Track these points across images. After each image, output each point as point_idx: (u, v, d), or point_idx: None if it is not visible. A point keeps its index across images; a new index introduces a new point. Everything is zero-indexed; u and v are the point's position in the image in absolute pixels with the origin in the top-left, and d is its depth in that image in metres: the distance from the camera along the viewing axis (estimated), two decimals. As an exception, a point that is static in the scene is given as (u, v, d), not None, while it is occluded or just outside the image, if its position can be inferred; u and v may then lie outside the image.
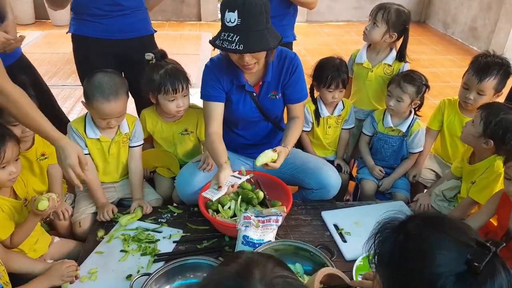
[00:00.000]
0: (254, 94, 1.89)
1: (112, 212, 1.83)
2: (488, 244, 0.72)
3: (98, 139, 1.87)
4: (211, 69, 1.86)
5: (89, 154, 1.89)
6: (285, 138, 1.84)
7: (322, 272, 1.23)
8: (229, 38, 1.56)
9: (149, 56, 1.93)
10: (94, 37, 2.06)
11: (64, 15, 5.65)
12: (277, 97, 1.91)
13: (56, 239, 1.78)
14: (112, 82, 1.74)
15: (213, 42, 1.64)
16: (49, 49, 5.06)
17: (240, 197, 1.84)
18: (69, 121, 2.31)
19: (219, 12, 6.72)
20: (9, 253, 1.47)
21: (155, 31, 2.28)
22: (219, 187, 1.64)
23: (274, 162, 1.69)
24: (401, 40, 2.21)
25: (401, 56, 2.25)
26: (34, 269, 1.46)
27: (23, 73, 1.97)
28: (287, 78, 1.87)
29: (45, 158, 1.86)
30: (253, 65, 1.70)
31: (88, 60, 2.09)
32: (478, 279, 0.70)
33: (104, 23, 2.03)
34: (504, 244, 0.73)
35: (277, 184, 1.89)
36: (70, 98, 3.86)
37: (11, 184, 1.53)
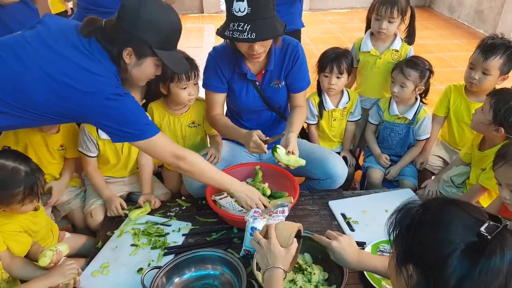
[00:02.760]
0: (257, 83, 1.89)
1: (121, 207, 1.85)
2: (501, 217, 0.74)
3: (110, 139, 1.89)
4: (214, 58, 1.88)
5: (96, 157, 1.93)
6: (290, 124, 1.85)
7: (299, 226, 1.31)
8: (239, 28, 1.56)
9: None
10: None
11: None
12: (280, 85, 1.91)
13: (67, 234, 1.80)
14: None
15: (221, 34, 1.63)
16: None
17: None
18: None
19: (221, 3, 6.69)
20: (14, 259, 1.48)
21: None
22: (265, 141, 1.70)
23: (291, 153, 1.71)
24: (406, 21, 2.18)
25: (411, 37, 2.23)
26: (33, 275, 1.46)
27: None
28: (290, 66, 1.87)
29: (62, 149, 1.92)
30: (261, 54, 1.71)
31: None
32: (487, 250, 0.72)
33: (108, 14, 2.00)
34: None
35: (283, 175, 1.89)
36: None
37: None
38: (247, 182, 1.91)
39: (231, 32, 1.58)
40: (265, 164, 1.98)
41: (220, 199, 1.78)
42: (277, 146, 1.71)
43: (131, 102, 1.44)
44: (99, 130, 1.86)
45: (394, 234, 0.87)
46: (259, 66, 1.87)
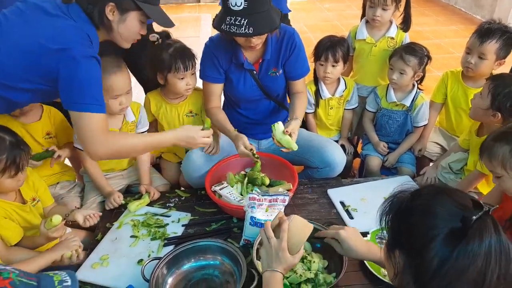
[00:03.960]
0: (254, 72, 1.88)
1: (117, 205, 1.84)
2: (483, 203, 0.77)
3: None
4: (210, 49, 1.87)
5: None
6: (293, 112, 1.86)
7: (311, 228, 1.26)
8: (236, 22, 1.55)
9: (154, 37, 1.91)
10: None
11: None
12: (277, 74, 1.90)
13: (68, 229, 1.80)
14: (109, 58, 1.69)
15: (218, 27, 1.62)
16: None
17: (246, 178, 1.85)
18: None
19: (216, -8, 6.63)
20: (8, 248, 1.49)
21: None
22: (251, 149, 1.73)
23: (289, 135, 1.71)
24: (401, 8, 2.16)
25: (406, 24, 2.21)
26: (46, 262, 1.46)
27: None
28: (287, 54, 1.86)
29: (51, 138, 1.88)
30: (258, 44, 1.71)
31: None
32: (468, 234, 0.75)
33: None
34: (497, 206, 0.77)
35: (282, 164, 1.89)
36: None
37: (17, 188, 1.54)
38: (246, 172, 1.91)
39: (228, 26, 1.58)
40: (264, 153, 1.97)
41: (220, 189, 1.78)
42: (278, 122, 1.73)
43: (94, 69, 1.36)
44: None
45: (386, 220, 0.90)
46: (256, 55, 1.85)
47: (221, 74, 1.89)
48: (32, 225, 1.59)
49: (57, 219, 1.45)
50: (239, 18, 1.55)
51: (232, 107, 2.05)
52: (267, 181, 1.84)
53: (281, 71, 1.90)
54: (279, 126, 1.72)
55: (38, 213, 1.64)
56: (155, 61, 1.90)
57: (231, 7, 1.54)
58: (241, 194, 1.79)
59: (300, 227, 1.23)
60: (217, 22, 1.64)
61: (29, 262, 1.38)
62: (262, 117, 2.04)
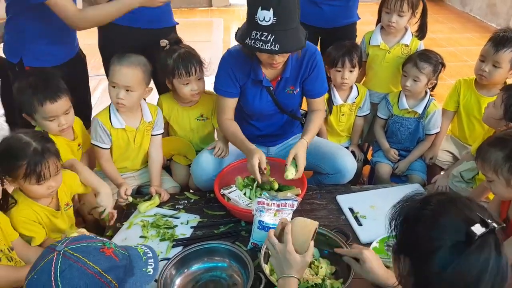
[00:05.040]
0: (271, 89, 1.86)
1: (126, 199, 1.84)
2: (489, 222, 0.79)
3: (124, 128, 1.90)
4: (228, 62, 1.82)
5: (109, 149, 1.93)
6: (305, 131, 1.86)
7: (316, 225, 1.25)
8: (262, 38, 1.50)
9: (163, 42, 1.94)
10: (122, 25, 2.00)
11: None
12: (295, 92, 1.88)
13: (86, 233, 1.82)
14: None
15: (242, 41, 1.58)
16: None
17: (255, 183, 1.86)
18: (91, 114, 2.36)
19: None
20: (30, 249, 1.50)
21: (177, 23, 2.26)
22: (264, 168, 1.72)
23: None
24: (417, 15, 2.15)
25: (422, 32, 2.20)
26: None
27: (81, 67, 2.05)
28: (307, 73, 1.84)
29: (80, 148, 1.92)
30: (281, 62, 1.68)
31: (112, 48, 2.04)
32: (469, 249, 0.79)
33: (134, 11, 1.95)
34: (504, 225, 0.81)
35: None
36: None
37: (50, 196, 1.55)
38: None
39: (253, 41, 1.53)
40: (273, 158, 1.98)
41: (228, 192, 1.79)
42: (288, 168, 1.73)
43: None
44: (112, 119, 1.87)
45: (395, 225, 0.92)
46: (275, 73, 1.82)
47: (237, 88, 1.85)
48: (59, 230, 1.61)
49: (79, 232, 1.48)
50: (266, 33, 1.50)
51: (244, 119, 2.03)
52: (276, 186, 1.84)
53: (298, 89, 1.88)
54: (289, 172, 1.73)
55: (67, 217, 1.66)
56: (162, 66, 1.93)
57: (259, 21, 1.50)
58: (250, 198, 1.80)
59: (304, 226, 1.21)
60: (241, 36, 1.59)
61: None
62: (274, 129, 2.03)
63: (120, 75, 1.78)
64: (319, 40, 2.37)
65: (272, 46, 1.50)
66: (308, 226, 1.21)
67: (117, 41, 2.01)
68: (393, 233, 0.93)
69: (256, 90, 1.86)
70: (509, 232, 1.40)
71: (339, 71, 2.14)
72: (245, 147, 1.80)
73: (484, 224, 0.79)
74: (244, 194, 1.81)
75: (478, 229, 0.79)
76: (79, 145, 1.91)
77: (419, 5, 2.13)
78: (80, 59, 2.14)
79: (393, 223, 0.92)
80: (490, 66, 1.96)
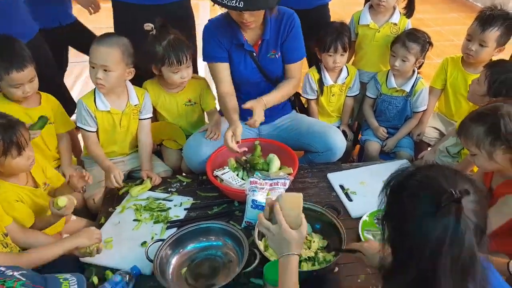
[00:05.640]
0: (254, 54, 1.89)
1: (120, 185, 1.83)
2: (456, 192, 0.83)
3: (109, 111, 1.89)
4: (211, 29, 1.87)
5: (96, 132, 1.92)
6: (267, 95, 1.86)
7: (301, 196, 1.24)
8: None
9: (148, 26, 1.89)
10: (132, 3, 2.01)
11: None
12: (277, 56, 1.91)
13: (73, 217, 1.83)
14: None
15: None
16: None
17: (248, 164, 1.88)
18: (74, 101, 2.35)
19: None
20: (26, 231, 1.51)
21: None
22: (237, 142, 1.72)
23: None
24: None
25: (410, 9, 2.22)
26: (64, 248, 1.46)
27: (38, 52, 1.98)
28: (285, 35, 1.87)
29: (50, 123, 1.90)
30: (252, 22, 1.72)
31: (124, 28, 2.04)
32: (435, 216, 0.84)
33: None
34: (471, 194, 0.84)
35: (283, 149, 1.91)
36: (71, 75, 3.68)
37: (31, 168, 1.55)
38: (246, 158, 1.93)
39: None
40: (264, 139, 1.99)
41: (221, 174, 1.80)
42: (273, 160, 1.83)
43: None
44: (96, 101, 1.86)
45: (383, 197, 0.97)
46: (255, 35, 1.86)
47: (225, 52, 1.88)
48: (43, 209, 1.61)
49: (62, 201, 1.47)
50: None
51: None
52: (267, 167, 1.86)
53: (279, 53, 1.91)
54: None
55: (49, 197, 1.66)
56: (149, 52, 1.89)
57: None
58: (243, 179, 1.82)
59: (291, 201, 1.20)
60: None
61: (46, 249, 1.38)
62: None
63: (97, 55, 1.76)
64: None
65: (237, 4, 1.57)
66: (296, 199, 1.21)
67: (128, 21, 2.00)
68: (383, 204, 0.97)
69: (240, 56, 1.89)
70: (493, 201, 1.45)
71: (331, 55, 2.16)
72: (230, 118, 1.83)
73: (450, 195, 0.83)
74: (237, 175, 1.83)
75: (444, 199, 0.83)
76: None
77: None
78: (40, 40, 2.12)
79: (384, 192, 0.97)
80: (476, 45, 1.99)
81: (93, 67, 1.78)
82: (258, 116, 1.77)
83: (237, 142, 1.74)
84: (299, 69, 2.00)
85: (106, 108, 1.87)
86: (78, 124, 1.90)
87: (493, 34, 1.94)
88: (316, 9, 2.30)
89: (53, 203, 1.48)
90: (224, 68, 1.90)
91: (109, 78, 1.78)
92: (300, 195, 1.21)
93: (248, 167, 1.86)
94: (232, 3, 1.57)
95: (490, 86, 1.70)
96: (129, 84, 1.95)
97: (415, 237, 0.86)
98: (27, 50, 1.75)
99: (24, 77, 1.72)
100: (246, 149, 1.88)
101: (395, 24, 2.23)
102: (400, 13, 2.25)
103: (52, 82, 2.20)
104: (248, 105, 1.77)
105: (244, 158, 1.94)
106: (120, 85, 1.88)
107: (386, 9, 2.20)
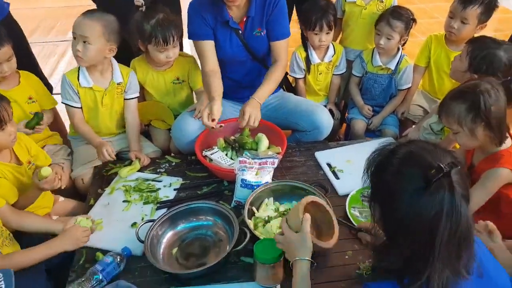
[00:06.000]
0: (240, 32, 1.88)
1: (113, 158, 1.83)
2: (444, 166, 0.84)
3: (91, 88, 1.87)
4: (195, 7, 1.85)
5: (80, 108, 1.91)
6: (257, 90, 1.86)
7: (306, 200, 1.32)
8: None
9: (138, 2, 1.87)
10: None
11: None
12: (262, 34, 1.90)
13: (61, 198, 1.82)
14: None
15: None
16: (26, 3, 4.75)
17: (237, 143, 1.89)
18: (49, 83, 2.30)
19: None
20: (19, 213, 1.50)
21: None
22: (213, 120, 1.72)
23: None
24: None
25: None
26: (47, 227, 1.50)
27: (10, 33, 1.92)
28: (270, 11, 1.85)
29: (33, 102, 1.90)
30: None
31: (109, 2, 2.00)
32: (427, 192, 0.85)
33: None
34: (458, 166, 0.86)
35: (271, 128, 1.93)
36: (54, 55, 3.71)
37: (13, 144, 1.53)
38: (235, 137, 1.94)
39: None
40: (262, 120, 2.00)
41: (211, 154, 1.81)
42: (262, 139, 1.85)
43: None
44: (80, 78, 1.84)
45: (368, 175, 0.98)
46: (241, 12, 1.84)
47: (210, 29, 1.86)
48: (26, 187, 1.60)
49: (46, 170, 1.47)
50: None
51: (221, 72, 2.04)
52: (256, 146, 1.88)
53: (265, 31, 1.90)
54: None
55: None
56: (137, 29, 1.88)
57: None
58: (232, 159, 1.83)
59: (294, 209, 1.30)
60: None
61: (34, 251, 1.36)
62: (249, 79, 2.04)
63: (78, 25, 1.76)
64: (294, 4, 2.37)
65: None
66: (297, 206, 1.28)
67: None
68: (368, 183, 0.99)
69: (225, 34, 1.88)
70: (474, 177, 1.50)
71: (316, 34, 2.15)
72: (210, 95, 1.81)
73: (439, 169, 0.84)
74: (226, 154, 1.84)
75: (433, 174, 0.84)
76: (29, 98, 1.90)
77: None
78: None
79: (367, 173, 0.98)
80: (458, 23, 2.02)
81: (75, 38, 1.77)
82: (256, 118, 1.77)
83: (213, 120, 1.73)
84: (285, 49, 1.96)
85: (89, 84, 1.86)
86: (63, 101, 1.89)
87: (474, 11, 1.96)
88: None
89: (37, 174, 1.47)
90: (209, 46, 1.88)
91: (87, 51, 1.76)
92: (305, 200, 1.31)
93: (237, 147, 1.86)
94: None
95: (471, 62, 1.72)
96: (114, 62, 1.92)
97: (408, 215, 0.87)
98: (3, 29, 1.72)
99: (1, 56, 1.70)
100: (223, 125, 1.83)
101: (381, 1, 2.22)
102: None
103: (33, 69, 2.14)
104: (246, 116, 1.75)
105: (232, 137, 1.94)
106: (100, 61, 1.85)
107: None
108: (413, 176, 0.88)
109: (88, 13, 1.79)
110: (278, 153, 1.76)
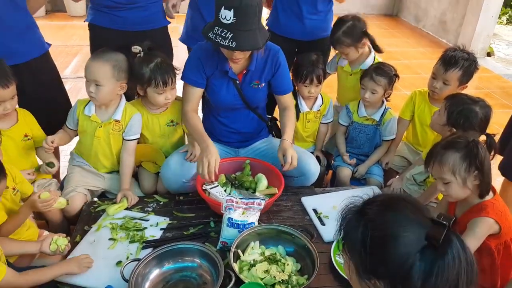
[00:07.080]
0: (237, 82, 1.97)
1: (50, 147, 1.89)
2: (442, 220, 0.81)
3: (90, 117, 1.94)
4: (198, 53, 1.94)
5: (75, 130, 2.02)
6: (283, 132, 1.96)
7: None
8: (222, 34, 1.65)
9: (136, 49, 1.96)
10: (110, 28, 2.11)
11: (81, 5, 5.62)
12: (260, 86, 2.00)
13: (45, 232, 1.80)
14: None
15: (206, 35, 1.72)
16: (61, 41, 4.92)
17: (237, 181, 1.93)
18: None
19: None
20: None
21: (169, 23, 2.34)
22: (214, 179, 1.79)
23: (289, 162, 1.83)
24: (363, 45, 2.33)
25: (376, 50, 2.37)
26: (27, 249, 1.53)
27: (47, 69, 2.05)
28: (272, 71, 1.97)
29: (28, 139, 1.94)
30: (241, 59, 1.81)
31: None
32: (439, 251, 0.80)
33: (120, 15, 2.07)
34: (455, 218, 0.81)
35: (271, 170, 1.99)
36: (80, 90, 3.79)
37: None
38: (236, 175, 2.00)
39: (214, 36, 1.67)
40: (254, 159, 2.07)
41: (210, 188, 1.84)
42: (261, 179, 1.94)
43: None
44: (87, 105, 1.95)
45: (344, 247, 0.90)
46: (241, 66, 1.94)
47: (203, 79, 1.95)
48: (11, 211, 1.60)
49: (45, 195, 1.56)
50: (226, 31, 1.65)
51: (212, 114, 2.12)
52: (255, 185, 1.93)
53: (263, 84, 1.99)
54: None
55: (18, 202, 1.65)
56: (136, 74, 1.95)
57: (221, 19, 1.64)
58: (229, 195, 1.86)
59: None
60: (206, 30, 1.73)
61: (43, 272, 1.44)
62: (241, 126, 2.12)
63: (89, 70, 1.85)
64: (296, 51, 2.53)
65: (230, 43, 1.65)
66: None
67: (105, 45, 2.03)
68: (347, 252, 0.90)
69: (223, 82, 1.96)
70: (458, 228, 1.53)
71: (306, 86, 2.28)
72: (203, 142, 1.84)
73: (436, 223, 0.81)
74: (225, 190, 1.88)
75: (437, 231, 0.80)
76: (25, 135, 1.94)
77: (361, 39, 2.28)
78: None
79: (344, 247, 0.90)
80: (440, 83, 2.14)
81: (88, 81, 1.87)
82: (295, 158, 1.83)
83: (214, 180, 1.80)
84: (291, 98, 2.14)
85: (89, 114, 1.94)
86: (67, 124, 2.01)
87: (455, 74, 2.09)
88: (321, 40, 2.45)
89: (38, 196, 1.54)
90: (196, 91, 1.97)
91: (100, 92, 1.86)
92: None
93: (236, 184, 1.91)
94: (225, 43, 1.65)
95: (449, 117, 1.83)
96: (123, 100, 1.99)
97: (429, 282, 0.79)
98: (10, 69, 1.78)
99: (7, 94, 1.76)
100: (217, 183, 1.88)
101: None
102: (374, 57, 2.39)
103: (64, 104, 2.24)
104: (288, 159, 1.82)
105: (233, 175, 2.01)
106: (114, 98, 1.95)
107: (357, 60, 2.37)
108: (414, 240, 0.81)
109: (96, 55, 1.89)
110: (274, 194, 1.82)
